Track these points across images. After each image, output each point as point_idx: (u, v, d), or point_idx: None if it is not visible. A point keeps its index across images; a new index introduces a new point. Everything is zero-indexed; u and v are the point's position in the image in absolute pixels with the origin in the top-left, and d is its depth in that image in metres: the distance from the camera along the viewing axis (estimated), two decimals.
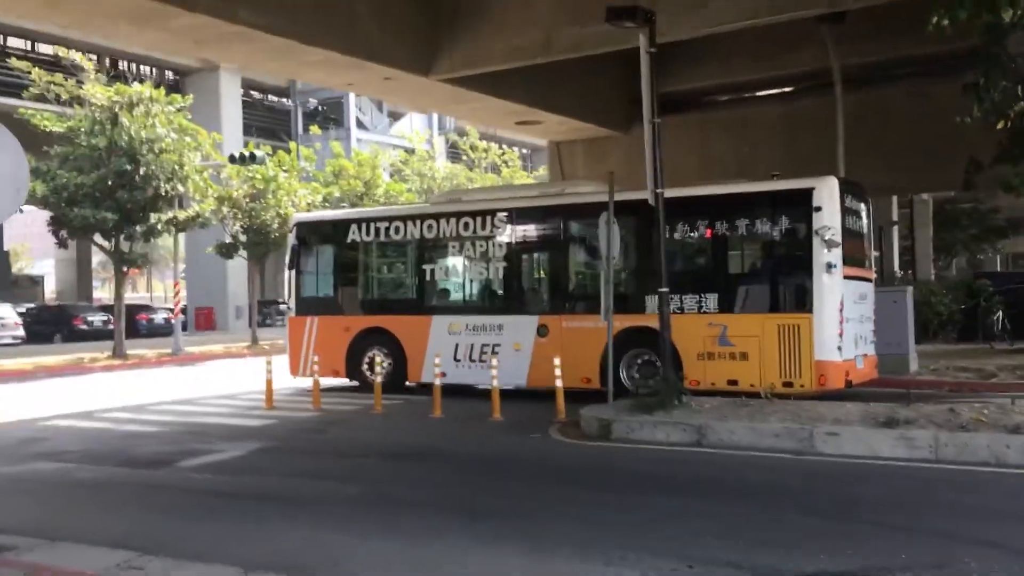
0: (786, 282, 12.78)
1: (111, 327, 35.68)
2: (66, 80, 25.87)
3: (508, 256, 14.64)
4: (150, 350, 29.01)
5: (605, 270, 11.74)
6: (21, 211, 22.65)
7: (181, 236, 29.76)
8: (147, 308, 40.23)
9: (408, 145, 42.74)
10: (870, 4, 14.82)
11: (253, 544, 6.29)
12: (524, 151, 54.16)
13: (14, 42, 38.24)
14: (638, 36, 14.95)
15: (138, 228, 26.20)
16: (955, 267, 28.70)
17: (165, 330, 36.84)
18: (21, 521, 6.90)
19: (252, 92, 47.53)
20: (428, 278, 15.50)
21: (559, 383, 11.68)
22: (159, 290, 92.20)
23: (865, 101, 20.41)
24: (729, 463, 8.56)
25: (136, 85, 26.60)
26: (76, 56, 25.91)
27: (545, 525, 6.50)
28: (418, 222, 15.30)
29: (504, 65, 16.64)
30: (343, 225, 16.16)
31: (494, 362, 12.21)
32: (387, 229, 15.57)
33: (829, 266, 12.10)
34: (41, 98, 25.90)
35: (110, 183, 24.63)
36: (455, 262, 15.23)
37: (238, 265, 43.41)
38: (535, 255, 14.99)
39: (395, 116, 52.86)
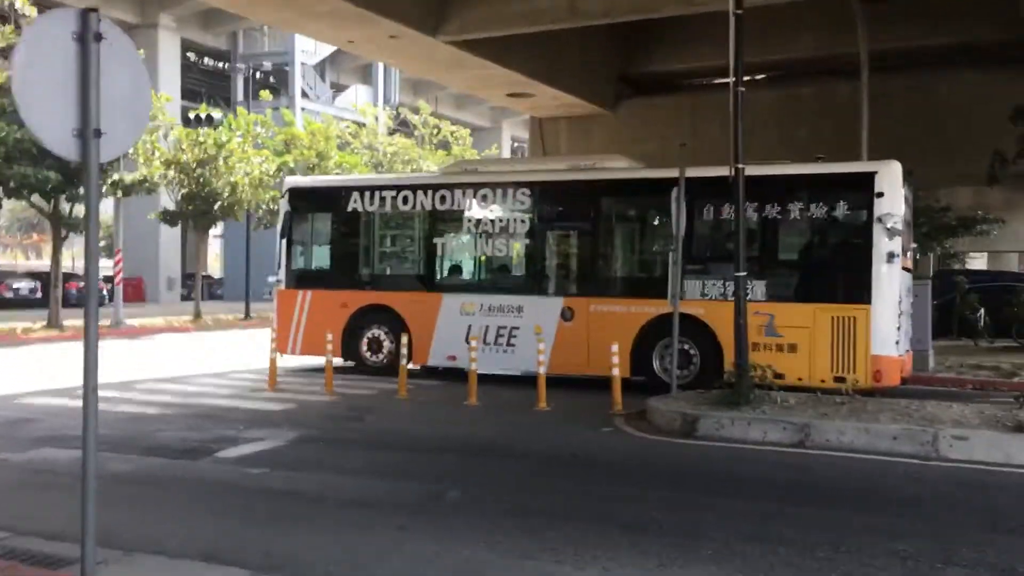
0: (841, 271, 12.07)
1: (38, 295, 33.48)
2: (3, 25, 23.78)
3: (531, 233, 13.64)
4: None
5: (674, 251, 10.84)
6: None
7: (118, 201, 27.70)
8: (76, 276, 37.74)
9: (357, 117, 41.18)
10: None
11: (392, 565, 5.21)
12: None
13: None
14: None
15: (81, 190, 24.27)
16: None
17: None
18: (68, 524, 5.63)
19: (188, 54, 45.13)
20: (439, 253, 14.41)
21: (616, 372, 10.68)
22: (66, 259, 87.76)
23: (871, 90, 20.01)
24: (861, 469, 7.74)
25: None
26: (18, 2, 23.75)
27: (722, 543, 5.55)
28: (430, 192, 14.13)
29: (521, 29, 15.62)
30: (344, 192, 14.82)
31: (540, 346, 11.13)
32: (394, 198, 14.35)
33: (891, 256, 11.45)
34: None
35: None
36: (470, 237, 14.13)
37: (170, 235, 41.27)
38: (561, 233, 13.94)
39: (337, 88, 51.05)
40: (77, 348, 18.72)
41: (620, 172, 13.40)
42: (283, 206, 15.02)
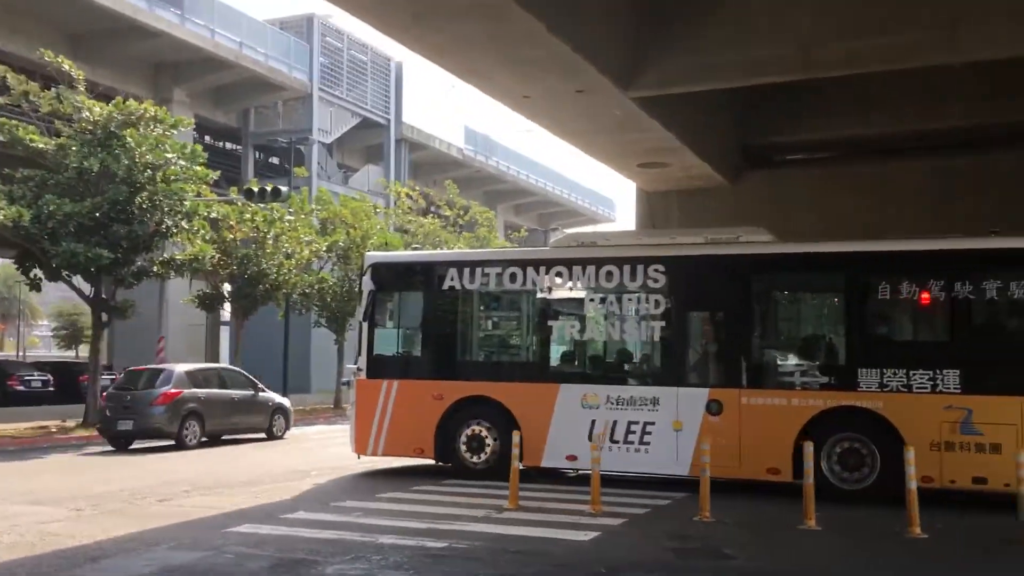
0: None
1: (51, 389, 30.21)
2: (44, 91, 21.39)
3: (667, 315, 11.73)
4: None
5: None
6: None
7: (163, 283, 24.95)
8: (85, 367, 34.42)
9: (374, 198, 39.12)
10: None
11: None
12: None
13: None
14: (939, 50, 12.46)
15: (125, 271, 21.58)
16: None
17: None
18: None
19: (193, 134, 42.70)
20: (554, 338, 12.49)
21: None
22: (9, 348, 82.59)
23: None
24: None
25: (132, 102, 22.36)
26: (66, 64, 21.42)
27: None
28: (542, 269, 12.35)
29: (732, 83, 13.71)
30: (438, 268, 12.99)
31: (911, 455, 8.81)
32: (499, 275, 12.57)
33: None
34: (13, 109, 21.35)
35: (98, 215, 20.14)
36: (593, 320, 12.27)
37: (177, 323, 38.34)
38: (704, 315, 12.02)
39: (346, 168, 48.98)
40: (149, 456, 15.93)
41: (766, 247, 11.82)
42: (365, 284, 13.09)
